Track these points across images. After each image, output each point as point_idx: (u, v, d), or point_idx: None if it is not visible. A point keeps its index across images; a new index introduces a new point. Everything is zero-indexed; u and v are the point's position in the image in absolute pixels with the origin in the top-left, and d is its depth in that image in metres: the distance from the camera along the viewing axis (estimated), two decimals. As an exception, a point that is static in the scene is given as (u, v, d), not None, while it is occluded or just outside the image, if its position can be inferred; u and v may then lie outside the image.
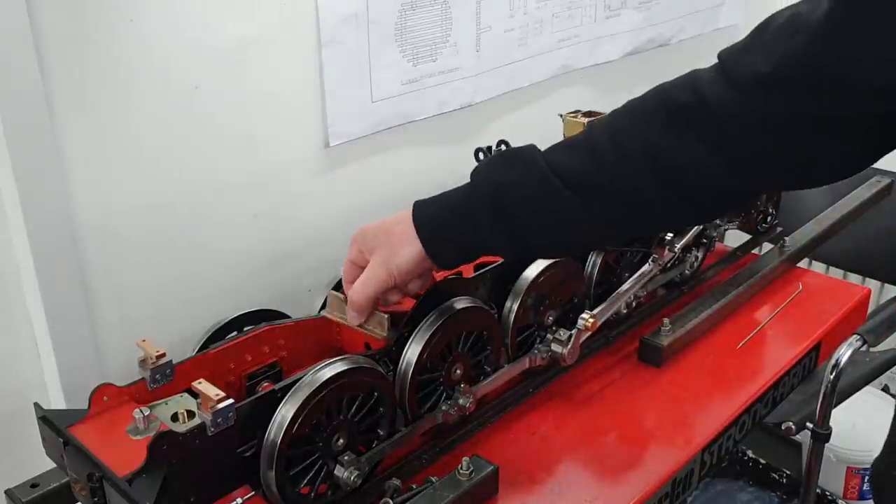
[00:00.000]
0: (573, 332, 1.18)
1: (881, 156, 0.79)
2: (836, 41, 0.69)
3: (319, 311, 1.11)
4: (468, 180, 0.93)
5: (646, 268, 1.32)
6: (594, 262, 1.29)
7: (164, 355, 0.98)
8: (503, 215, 0.89)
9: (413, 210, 0.94)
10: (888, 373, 1.84)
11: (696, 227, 1.39)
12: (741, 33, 0.87)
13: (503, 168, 0.90)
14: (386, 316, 0.98)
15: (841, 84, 0.71)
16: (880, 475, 1.22)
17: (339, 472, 0.96)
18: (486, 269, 1.15)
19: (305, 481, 0.95)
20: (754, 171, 0.82)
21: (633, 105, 0.88)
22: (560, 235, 0.91)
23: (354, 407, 0.97)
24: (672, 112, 0.83)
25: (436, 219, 0.93)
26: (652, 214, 0.89)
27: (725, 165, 0.81)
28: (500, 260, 1.17)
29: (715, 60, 0.85)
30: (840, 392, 1.49)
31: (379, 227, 0.95)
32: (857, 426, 2.04)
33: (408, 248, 0.93)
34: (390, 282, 0.94)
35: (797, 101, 0.75)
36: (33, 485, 0.97)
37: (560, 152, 0.89)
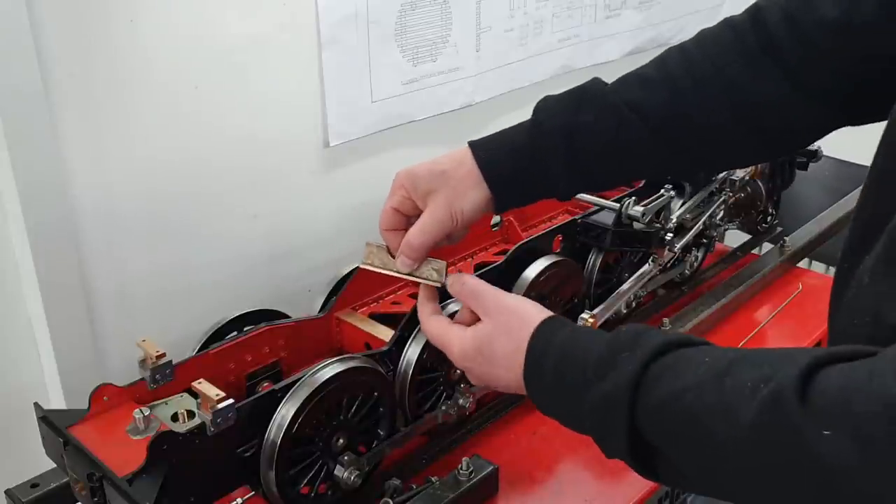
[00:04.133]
0: (573, 332, 1.18)
1: None
2: None
3: (321, 309, 1.10)
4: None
5: (646, 268, 1.32)
6: (594, 262, 1.29)
7: (164, 355, 0.98)
8: (575, 157, 0.87)
9: (473, 152, 0.89)
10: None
11: (695, 228, 1.39)
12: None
13: (573, 108, 0.88)
14: (444, 263, 0.90)
15: None
16: None
17: (339, 472, 0.96)
18: (487, 269, 1.15)
19: (305, 481, 0.95)
20: (831, 106, 0.83)
21: (707, 39, 0.88)
22: (630, 168, 0.92)
23: (354, 407, 0.97)
24: (748, 46, 0.84)
25: (502, 162, 0.89)
26: (726, 148, 0.90)
27: (803, 101, 0.83)
28: (500, 260, 1.17)
29: None
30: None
31: (431, 169, 0.88)
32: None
33: (474, 192, 0.88)
34: (452, 226, 0.89)
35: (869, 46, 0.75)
36: (33, 485, 0.97)
37: (636, 88, 0.88)
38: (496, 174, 0.88)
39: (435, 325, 0.86)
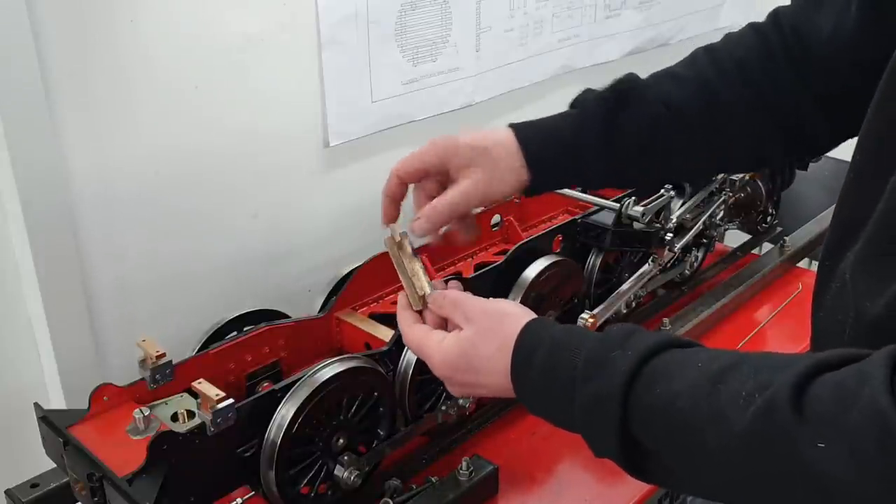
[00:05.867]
0: (573, 332, 1.18)
1: None
2: None
3: (321, 309, 1.10)
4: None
5: (646, 268, 1.32)
6: (594, 262, 1.29)
7: (164, 355, 0.98)
8: (613, 154, 0.89)
9: (518, 136, 0.88)
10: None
11: (695, 228, 1.39)
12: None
13: (613, 105, 0.89)
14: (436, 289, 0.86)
15: None
16: None
17: (339, 472, 0.96)
18: (487, 269, 1.15)
19: (305, 481, 0.95)
20: (838, 111, 0.86)
21: (733, 40, 0.92)
22: (662, 167, 0.94)
23: (354, 407, 0.97)
24: (770, 49, 0.88)
25: (545, 149, 0.89)
26: (753, 148, 0.92)
27: (816, 105, 0.87)
28: (500, 260, 1.17)
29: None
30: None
31: (473, 144, 0.87)
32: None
33: (511, 175, 0.88)
34: (478, 204, 0.89)
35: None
36: (33, 485, 0.97)
37: (668, 84, 0.91)
38: (538, 160, 0.88)
39: (416, 333, 0.83)
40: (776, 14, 0.90)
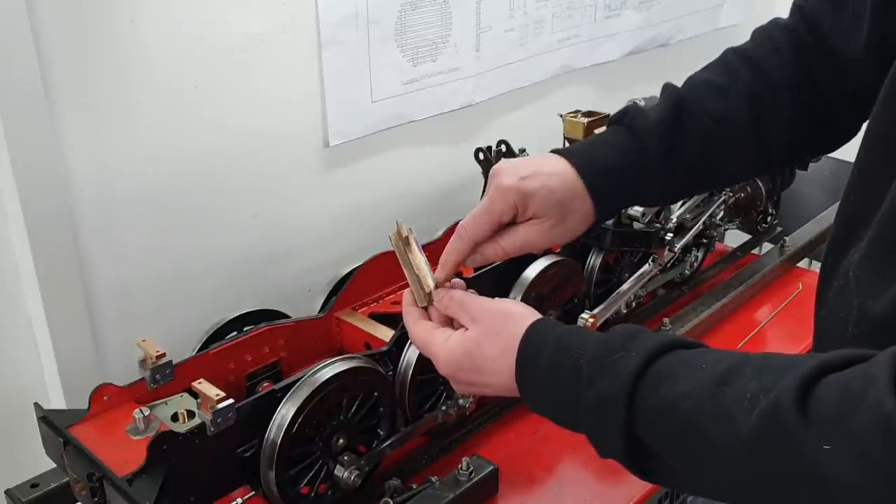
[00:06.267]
0: (573, 332, 1.18)
1: None
2: None
3: (321, 309, 1.10)
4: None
5: (646, 268, 1.32)
6: (594, 262, 1.29)
7: (164, 355, 0.98)
8: (672, 174, 0.88)
9: (584, 180, 0.85)
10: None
11: (695, 228, 1.39)
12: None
13: (670, 125, 0.87)
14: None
15: None
16: None
17: (339, 471, 0.96)
18: (487, 269, 1.15)
19: (305, 481, 0.95)
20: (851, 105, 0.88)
21: (766, 45, 0.91)
22: (716, 178, 0.96)
23: (354, 407, 0.97)
24: (803, 44, 0.89)
25: (610, 188, 0.87)
26: (793, 144, 0.92)
27: (844, 97, 0.88)
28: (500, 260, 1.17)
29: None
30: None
31: (544, 194, 0.84)
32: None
33: (581, 224, 0.87)
34: (543, 249, 0.90)
35: None
36: (33, 485, 0.97)
37: (714, 98, 0.89)
38: (604, 200, 0.87)
39: (421, 330, 0.83)
40: (801, 10, 0.90)
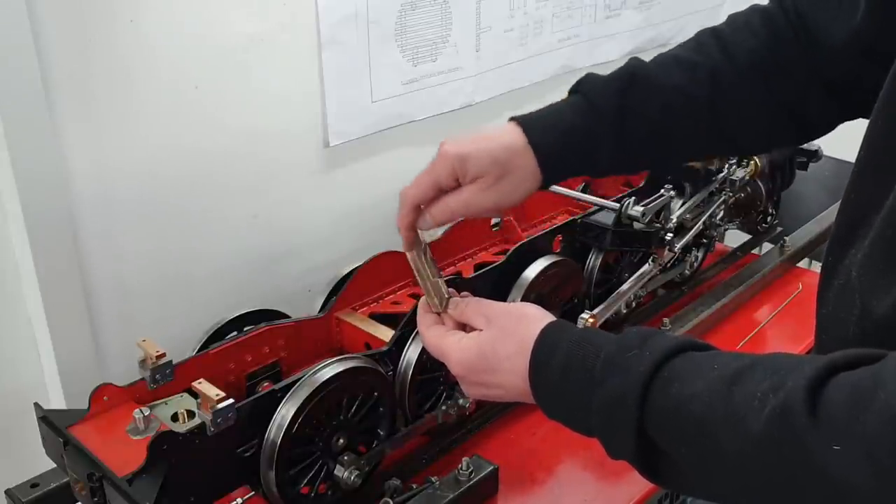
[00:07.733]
0: (573, 332, 1.18)
1: None
2: None
3: (321, 309, 1.10)
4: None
5: (646, 268, 1.32)
6: (594, 262, 1.29)
7: (164, 355, 0.98)
8: (624, 140, 0.88)
9: (529, 139, 0.86)
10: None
11: (695, 228, 1.38)
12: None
13: (624, 90, 0.88)
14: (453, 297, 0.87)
15: None
16: None
17: (339, 471, 0.96)
18: (487, 269, 1.15)
19: (305, 481, 0.95)
20: (853, 91, 0.86)
21: (739, 25, 0.91)
22: (671, 151, 0.93)
23: (354, 407, 0.97)
24: (777, 29, 0.88)
25: (555, 144, 0.87)
26: (760, 130, 0.91)
27: (820, 89, 0.87)
28: (500, 260, 1.17)
29: None
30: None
31: (486, 154, 0.85)
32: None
33: (526, 184, 0.87)
34: (491, 212, 0.88)
35: None
36: (33, 485, 0.97)
37: (676, 70, 0.89)
38: (550, 159, 0.87)
39: (434, 334, 0.84)
40: None
